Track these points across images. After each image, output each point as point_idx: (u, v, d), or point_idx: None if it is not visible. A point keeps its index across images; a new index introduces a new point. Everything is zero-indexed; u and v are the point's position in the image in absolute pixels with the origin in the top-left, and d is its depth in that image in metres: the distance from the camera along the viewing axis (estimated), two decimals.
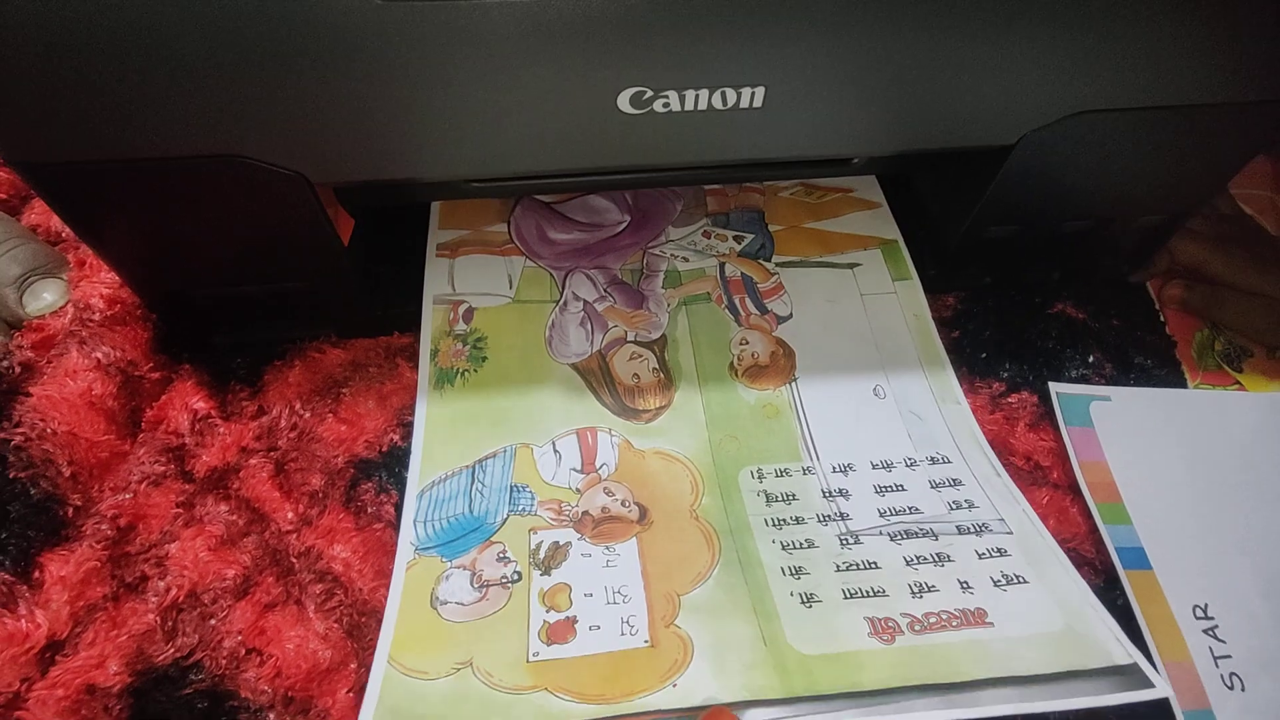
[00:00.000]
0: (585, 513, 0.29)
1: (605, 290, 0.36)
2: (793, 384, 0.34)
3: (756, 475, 0.31)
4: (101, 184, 0.26)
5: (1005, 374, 0.35)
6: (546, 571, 0.28)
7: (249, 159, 0.25)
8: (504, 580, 0.27)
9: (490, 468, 0.30)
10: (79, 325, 0.31)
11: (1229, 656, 0.27)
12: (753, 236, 0.38)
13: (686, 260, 0.37)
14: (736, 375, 0.34)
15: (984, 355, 0.35)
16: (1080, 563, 0.30)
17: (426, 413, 0.31)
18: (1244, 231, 0.39)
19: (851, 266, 0.37)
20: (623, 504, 0.30)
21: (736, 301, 0.36)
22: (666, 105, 0.26)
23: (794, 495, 0.30)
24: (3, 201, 0.37)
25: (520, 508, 0.29)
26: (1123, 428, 0.33)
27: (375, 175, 0.27)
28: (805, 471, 0.31)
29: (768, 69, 0.25)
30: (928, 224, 0.37)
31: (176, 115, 0.24)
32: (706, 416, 0.33)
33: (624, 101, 0.25)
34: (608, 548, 0.28)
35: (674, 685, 0.25)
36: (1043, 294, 0.38)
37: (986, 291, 0.38)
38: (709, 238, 0.38)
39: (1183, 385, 0.35)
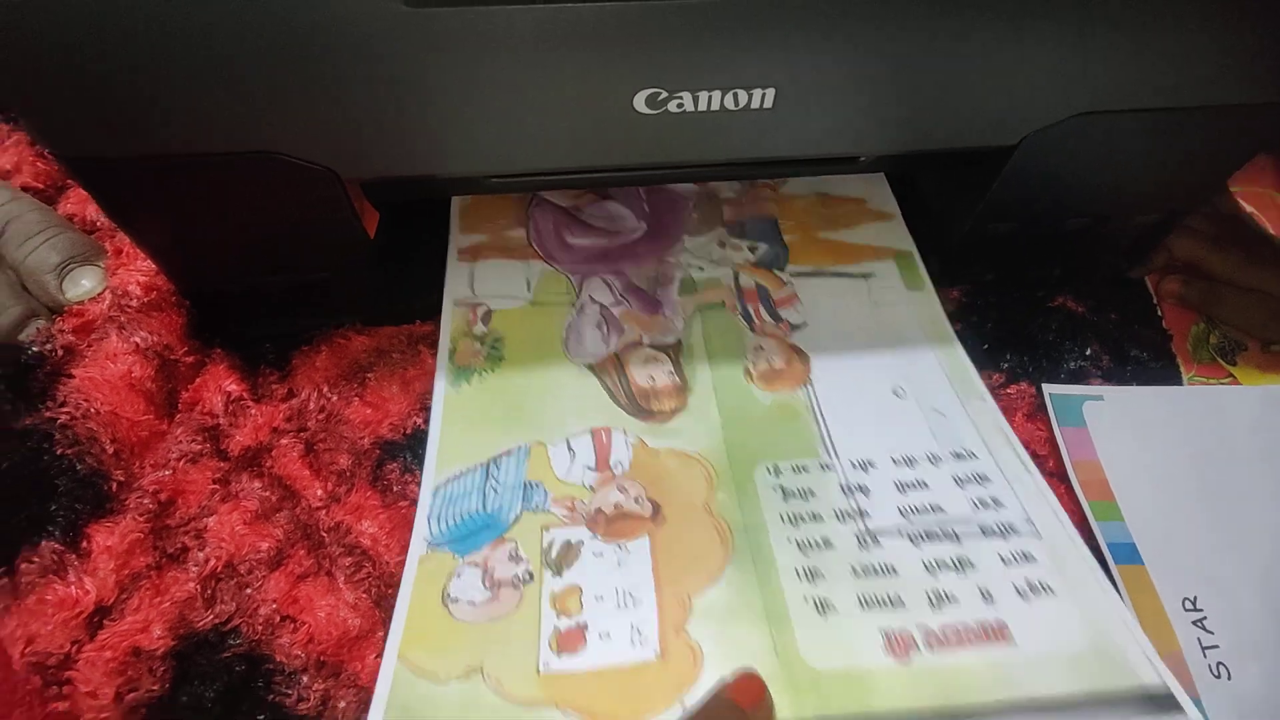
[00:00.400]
0: (598, 509, 0.29)
1: (621, 295, 0.36)
2: (809, 386, 0.34)
3: (773, 470, 0.31)
4: (142, 178, 0.27)
5: (1005, 365, 0.36)
6: (558, 572, 0.28)
7: (283, 155, 0.27)
8: (515, 580, 0.27)
9: (505, 465, 0.31)
10: (117, 311, 0.33)
11: (1216, 646, 0.28)
12: (767, 246, 0.39)
13: (701, 269, 0.38)
14: (751, 379, 0.34)
15: (985, 347, 0.36)
16: None
17: (443, 410, 0.32)
18: (1241, 229, 0.40)
19: (865, 276, 0.37)
20: (636, 501, 0.30)
21: (750, 310, 0.36)
22: (680, 106, 0.27)
23: (811, 491, 0.30)
24: (39, 191, 0.39)
25: (534, 504, 0.30)
26: (1115, 426, 0.34)
27: (401, 171, 0.28)
28: (824, 468, 0.31)
29: (777, 72, 0.26)
30: (932, 221, 0.38)
31: (215, 114, 0.25)
32: (722, 417, 0.32)
33: (640, 102, 0.26)
34: (620, 545, 0.28)
35: (683, 704, 0.24)
36: (1043, 289, 0.39)
37: (989, 286, 0.38)
38: (724, 247, 0.39)
39: (1178, 378, 0.37)
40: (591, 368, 0.34)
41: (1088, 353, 0.36)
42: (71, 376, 0.31)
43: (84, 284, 0.34)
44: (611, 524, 0.29)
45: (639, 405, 0.33)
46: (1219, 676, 0.27)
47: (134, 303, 0.33)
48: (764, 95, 0.27)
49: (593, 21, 0.24)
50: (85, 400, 0.30)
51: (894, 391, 0.33)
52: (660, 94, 0.26)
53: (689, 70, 0.26)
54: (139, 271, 0.34)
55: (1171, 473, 0.32)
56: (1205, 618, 0.29)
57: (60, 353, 0.32)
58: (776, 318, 0.36)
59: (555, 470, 0.31)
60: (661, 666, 0.25)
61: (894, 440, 0.32)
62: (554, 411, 0.32)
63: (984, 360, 0.36)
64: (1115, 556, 0.30)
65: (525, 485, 0.30)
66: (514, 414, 0.32)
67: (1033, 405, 0.35)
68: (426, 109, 0.26)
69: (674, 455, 0.31)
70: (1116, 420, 0.34)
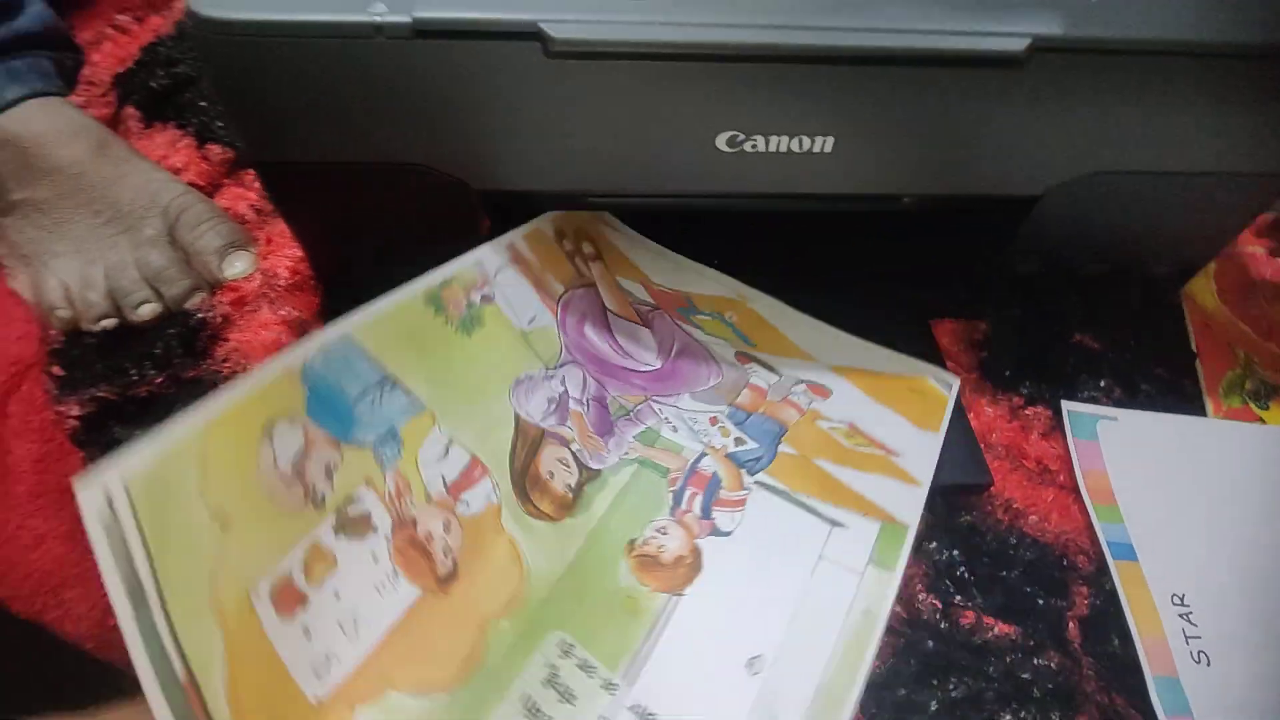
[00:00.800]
0: (415, 520, 0.26)
1: (587, 399, 0.35)
2: (674, 598, 0.30)
3: (563, 649, 0.27)
4: (313, 180, 0.34)
5: (1025, 390, 0.40)
6: (338, 530, 0.24)
7: (428, 167, 0.33)
8: (311, 491, 0.24)
9: (396, 398, 0.28)
10: (267, 289, 0.39)
11: (1199, 637, 0.32)
12: (755, 447, 0.35)
13: (675, 430, 0.36)
14: (629, 553, 0.31)
15: (1007, 373, 0.41)
16: (1076, 552, 0.35)
17: (399, 301, 0.30)
18: None
19: (833, 524, 0.32)
20: (444, 550, 0.27)
21: (687, 494, 0.33)
22: (754, 146, 0.32)
23: (574, 698, 0.26)
24: (200, 187, 0.46)
25: (381, 453, 0.27)
26: (1124, 444, 0.38)
27: (520, 185, 0.34)
28: (607, 686, 0.27)
29: (837, 123, 0.32)
30: (966, 258, 0.43)
31: (381, 132, 0.31)
32: (575, 561, 0.30)
33: (721, 142, 0.32)
34: (395, 574, 0.25)
35: None
36: (1064, 325, 0.43)
37: (1015, 319, 0.43)
38: (714, 424, 0.36)
39: (1186, 413, 0.40)
40: (518, 419, 0.32)
41: (1101, 384, 0.40)
42: (228, 340, 0.37)
43: (239, 265, 0.41)
44: (409, 546, 0.26)
45: (522, 484, 0.31)
46: (1199, 662, 0.31)
47: (281, 283, 0.39)
48: (825, 141, 0.32)
49: (688, 75, 0.30)
50: (243, 359, 0.36)
51: (750, 662, 0.28)
52: (738, 136, 0.32)
53: (763, 117, 0.31)
54: (286, 258, 0.40)
55: (1172, 488, 0.36)
56: (1191, 612, 0.32)
57: (220, 319, 0.39)
58: (706, 513, 0.33)
59: (420, 451, 0.28)
60: (309, 710, 0.22)
61: (699, 711, 0.27)
62: (464, 412, 0.30)
63: (1006, 384, 0.40)
64: (1114, 553, 0.34)
65: (392, 431, 0.27)
66: (438, 374, 0.30)
67: (1047, 426, 0.39)
68: (549, 136, 0.32)
69: (511, 549, 0.29)
70: (1126, 439, 0.38)
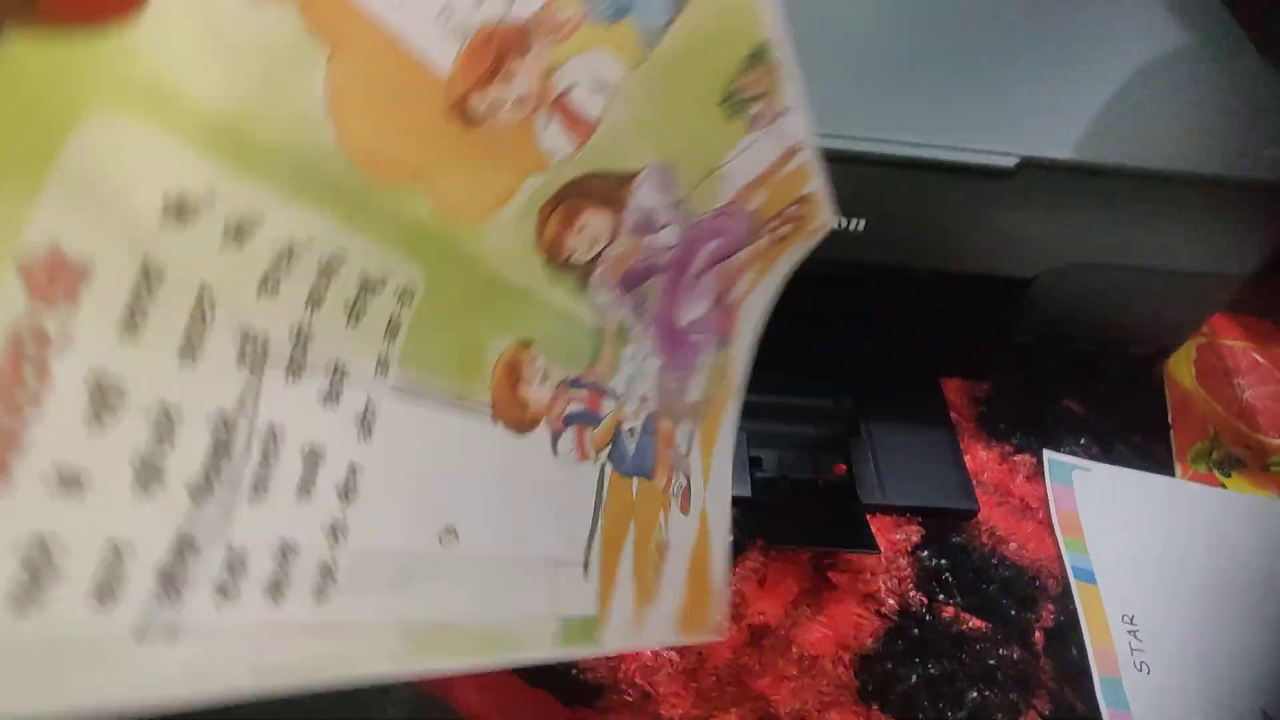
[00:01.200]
0: (528, 50, 0.21)
1: (649, 254, 0.30)
2: (491, 421, 0.25)
3: (406, 295, 0.21)
4: None
5: (1014, 441, 0.47)
6: None
7: None
8: None
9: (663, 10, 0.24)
10: None
11: (1143, 650, 0.38)
12: (632, 457, 0.31)
13: (629, 376, 0.31)
14: (512, 342, 0.26)
15: (1001, 426, 0.48)
16: (1048, 576, 0.42)
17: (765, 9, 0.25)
18: None
19: (582, 565, 0.27)
20: (498, 101, 0.21)
21: (580, 393, 0.29)
22: None
23: (357, 320, 0.20)
24: None
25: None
26: (1095, 490, 0.45)
27: None
28: (380, 363, 0.21)
29: (868, 210, 0.41)
30: (974, 328, 0.51)
31: None
32: (496, 282, 0.24)
33: None
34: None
35: None
36: (1055, 390, 0.50)
37: (1010, 383, 0.50)
38: (637, 416, 0.32)
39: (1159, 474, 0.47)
40: (629, 176, 0.27)
41: (1080, 442, 0.48)
42: None
43: None
44: (499, 57, 0.21)
45: (565, 196, 0.25)
46: (1140, 670, 0.37)
47: None
48: (858, 223, 0.41)
49: None
50: None
51: (445, 532, 0.23)
52: None
53: None
54: None
55: (1134, 529, 0.43)
56: (1137, 630, 0.39)
57: None
58: (567, 423, 0.28)
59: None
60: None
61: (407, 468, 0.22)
62: (638, 105, 0.25)
63: (999, 434, 0.48)
64: (1076, 576, 0.40)
65: (625, 8, 0.23)
66: (677, 70, 0.25)
67: (1031, 471, 0.46)
68: None
69: (503, 196, 0.23)
70: (1097, 486, 0.45)
